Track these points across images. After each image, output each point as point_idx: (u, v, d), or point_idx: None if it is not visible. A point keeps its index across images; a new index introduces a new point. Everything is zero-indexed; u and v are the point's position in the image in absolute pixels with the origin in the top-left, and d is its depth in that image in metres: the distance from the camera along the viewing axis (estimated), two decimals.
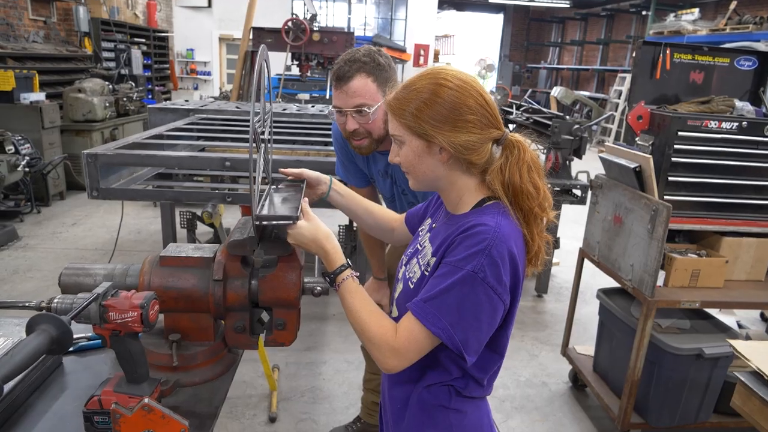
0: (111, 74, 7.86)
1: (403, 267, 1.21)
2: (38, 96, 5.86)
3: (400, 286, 1.20)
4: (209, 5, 12.25)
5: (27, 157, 4.76)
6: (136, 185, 2.76)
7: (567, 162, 3.98)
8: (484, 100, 1.06)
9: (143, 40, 10.07)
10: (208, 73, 12.72)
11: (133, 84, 7.83)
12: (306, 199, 1.23)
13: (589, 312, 3.85)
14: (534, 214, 1.08)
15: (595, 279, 3.57)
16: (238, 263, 1.20)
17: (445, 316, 0.98)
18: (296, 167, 1.39)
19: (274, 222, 1.11)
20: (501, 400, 2.93)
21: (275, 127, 4.08)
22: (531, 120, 4.64)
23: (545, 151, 4.02)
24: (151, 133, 3.26)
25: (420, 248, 1.17)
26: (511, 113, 4.83)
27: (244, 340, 1.25)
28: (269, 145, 1.36)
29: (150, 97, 9.25)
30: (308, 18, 6.33)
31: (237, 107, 4.47)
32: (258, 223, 1.10)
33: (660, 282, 2.33)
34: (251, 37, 6.32)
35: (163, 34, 11.19)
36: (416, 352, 1.01)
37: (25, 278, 4.14)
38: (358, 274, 1.13)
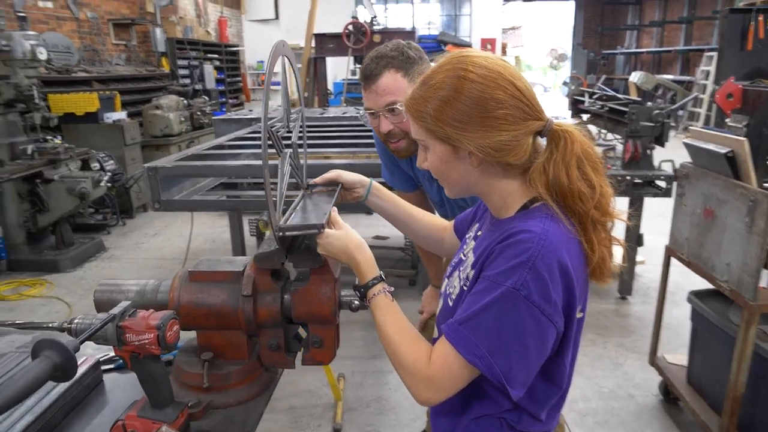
0: (186, 90, 8.23)
1: (446, 280, 1.08)
2: (120, 115, 6.22)
3: (440, 303, 1.06)
4: (276, 17, 12.60)
5: (109, 173, 5.03)
6: (198, 196, 2.79)
7: (648, 151, 3.63)
8: (516, 89, 0.89)
9: (216, 56, 10.50)
10: (278, 83, 13.07)
11: (207, 98, 8.16)
12: (335, 208, 1.12)
13: (679, 315, 3.48)
14: (591, 218, 0.91)
15: (687, 278, 3.22)
16: (268, 277, 1.11)
17: (484, 342, 0.83)
18: (346, 170, 1.30)
19: (297, 233, 1.02)
20: (582, 414, 2.69)
21: (316, 131, 4.05)
22: (606, 108, 4.30)
23: (623, 140, 3.70)
24: (212, 143, 3.32)
25: (463, 258, 1.03)
26: (583, 102, 4.51)
27: (280, 358, 1.16)
28: (297, 150, 1.26)
29: (224, 109, 9.62)
30: (368, 21, 6.29)
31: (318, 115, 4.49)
32: (280, 234, 1.00)
33: (763, 283, 2.02)
34: (313, 44, 6.37)
35: (234, 49, 11.62)
36: (452, 383, 0.87)
37: None
38: (392, 289, 1.00)
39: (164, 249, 5.28)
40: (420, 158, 1.00)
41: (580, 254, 0.91)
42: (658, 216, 4.50)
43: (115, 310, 0.92)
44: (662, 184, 3.57)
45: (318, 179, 1.28)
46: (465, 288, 0.95)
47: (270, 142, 0.99)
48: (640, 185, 3.58)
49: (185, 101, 7.28)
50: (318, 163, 2.84)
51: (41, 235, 4.84)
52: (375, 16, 6.61)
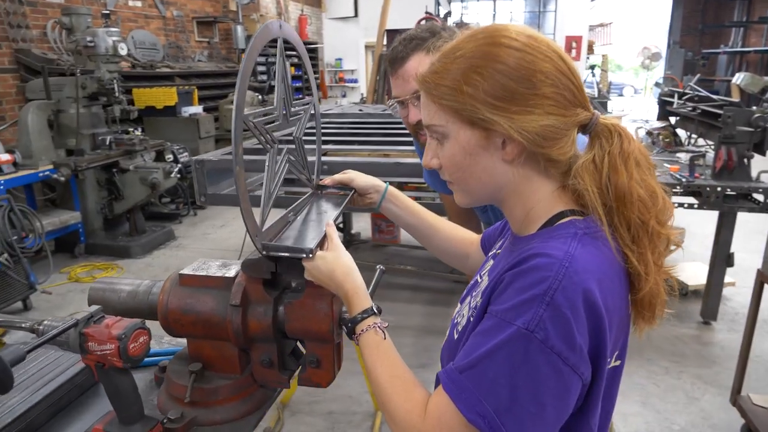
0: (262, 86, 8.43)
1: (458, 305, 0.91)
2: (196, 109, 6.45)
3: (447, 332, 0.90)
4: (356, 14, 12.66)
5: (181, 165, 5.21)
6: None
7: (745, 159, 3.20)
8: (565, 65, 0.73)
9: (294, 53, 10.69)
10: (355, 81, 13.15)
11: None
12: (330, 227, 0.97)
13: None
14: (649, 229, 0.72)
15: None
16: (260, 286, 1.00)
17: (489, 397, 0.66)
18: (369, 171, 1.16)
19: (282, 254, 0.90)
20: None
21: (369, 127, 3.93)
22: (697, 110, 3.87)
23: (714, 147, 3.29)
24: (291, 146, 3.30)
25: (478, 281, 0.86)
26: (672, 103, 4.09)
27: (273, 376, 1.05)
28: (302, 145, 1.14)
29: None
30: (442, 16, 6.11)
31: (360, 110, 4.41)
32: (264, 253, 0.89)
33: None
34: (385, 41, 6.28)
35: (313, 46, 11.80)
36: None
37: None
38: (386, 324, 0.84)
39: (229, 240, 5.40)
40: (428, 154, 0.82)
41: (619, 287, 0.72)
42: (757, 233, 4.01)
43: (80, 315, 0.84)
44: (760, 197, 3.13)
45: (328, 180, 1.16)
46: (472, 319, 0.78)
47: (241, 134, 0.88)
48: (732, 198, 3.16)
49: (260, 97, 7.43)
50: (358, 161, 2.73)
51: (117, 221, 5.10)
52: (449, 12, 6.41)
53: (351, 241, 4.93)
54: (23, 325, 0.89)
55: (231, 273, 1.04)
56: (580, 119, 0.74)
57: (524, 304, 0.65)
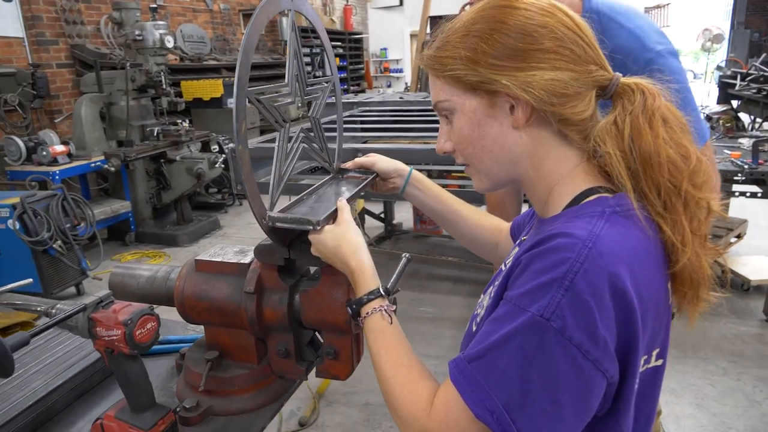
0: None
1: (482, 296, 0.84)
2: None
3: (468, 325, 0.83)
4: (401, 3, 12.54)
5: (225, 155, 5.29)
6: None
7: None
8: (571, 21, 0.68)
9: (339, 43, 10.71)
10: (400, 70, 13.06)
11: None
12: (343, 200, 0.92)
13: None
14: (682, 194, 0.64)
15: None
16: (275, 273, 0.96)
17: (499, 391, 0.59)
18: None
19: (287, 226, 0.85)
20: None
21: (405, 115, 3.85)
22: (763, 92, 3.59)
23: None
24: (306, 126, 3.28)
25: (502, 269, 0.79)
26: (734, 85, 3.81)
27: (290, 367, 1.01)
28: (319, 126, 1.09)
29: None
30: None
31: (400, 97, 4.33)
32: (270, 224, 0.84)
33: None
34: (428, 28, 6.17)
35: (358, 36, 11.78)
36: None
37: None
38: (394, 307, 0.78)
39: None
40: (440, 138, 0.78)
41: (656, 274, 0.64)
42: None
43: (89, 299, 0.83)
44: None
45: (350, 163, 1.11)
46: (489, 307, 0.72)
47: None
48: None
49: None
50: (397, 148, 2.67)
51: (165, 210, 5.24)
52: None
53: (392, 231, 4.88)
54: (38, 309, 0.89)
55: (247, 259, 1.01)
56: (596, 78, 0.68)
57: (540, 288, 0.58)
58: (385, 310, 0.77)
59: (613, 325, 0.58)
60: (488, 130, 0.71)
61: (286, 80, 0.95)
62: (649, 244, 0.64)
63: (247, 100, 0.80)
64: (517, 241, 0.87)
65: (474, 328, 0.76)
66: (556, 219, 0.68)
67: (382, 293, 0.79)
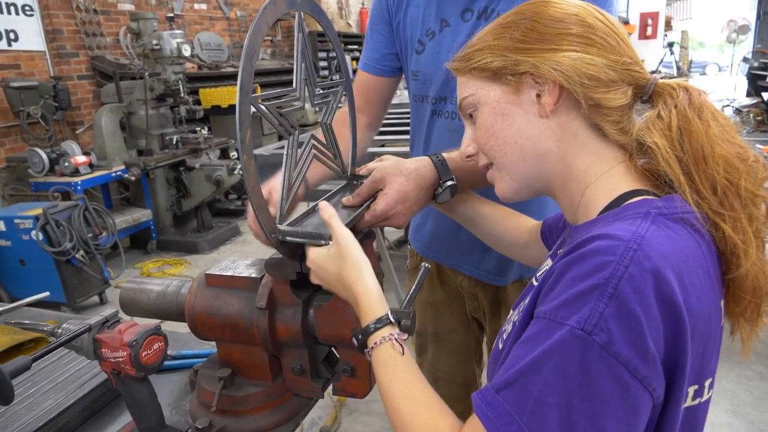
0: (323, 82, 8.50)
1: (511, 311, 0.78)
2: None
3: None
4: None
5: None
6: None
7: None
8: (606, 18, 0.65)
9: (356, 47, 10.70)
10: None
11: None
12: (326, 210, 0.82)
13: None
14: (741, 192, 0.58)
15: None
16: (287, 287, 0.92)
17: (533, 422, 0.52)
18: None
19: (297, 240, 0.80)
20: None
21: (402, 118, 3.77)
22: None
23: None
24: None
25: (533, 284, 0.74)
26: (764, 77, 3.68)
27: (305, 385, 0.97)
28: (330, 132, 1.05)
29: None
30: None
31: None
32: (279, 238, 0.80)
33: None
34: None
35: None
36: None
37: None
38: (405, 336, 0.71)
39: None
40: (465, 141, 0.75)
41: (708, 285, 0.57)
42: None
43: (94, 320, 0.79)
44: None
45: (363, 168, 1.06)
46: (518, 324, 0.66)
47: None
48: None
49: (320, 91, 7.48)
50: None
51: (185, 218, 5.27)
52: None
53: None
54: (44, 329, 0.86)
55: (258, 273, 0.97)
56: (632, 72, 0.63)
57: (580, 297, 0.52)
58: (396, 338, 0.69)
59: (662, 338, 0.52)
60: (513, 119, 0.67)
61: (294, 84, 0.90)
62: (701, 252, 0.57)
63: (251, 107, 0.76)
64: (550, 252, 0.81)
65: (500, 346, 0.71)
66: (592, 224, 0.62)
67: (392, 320, 0.71)
